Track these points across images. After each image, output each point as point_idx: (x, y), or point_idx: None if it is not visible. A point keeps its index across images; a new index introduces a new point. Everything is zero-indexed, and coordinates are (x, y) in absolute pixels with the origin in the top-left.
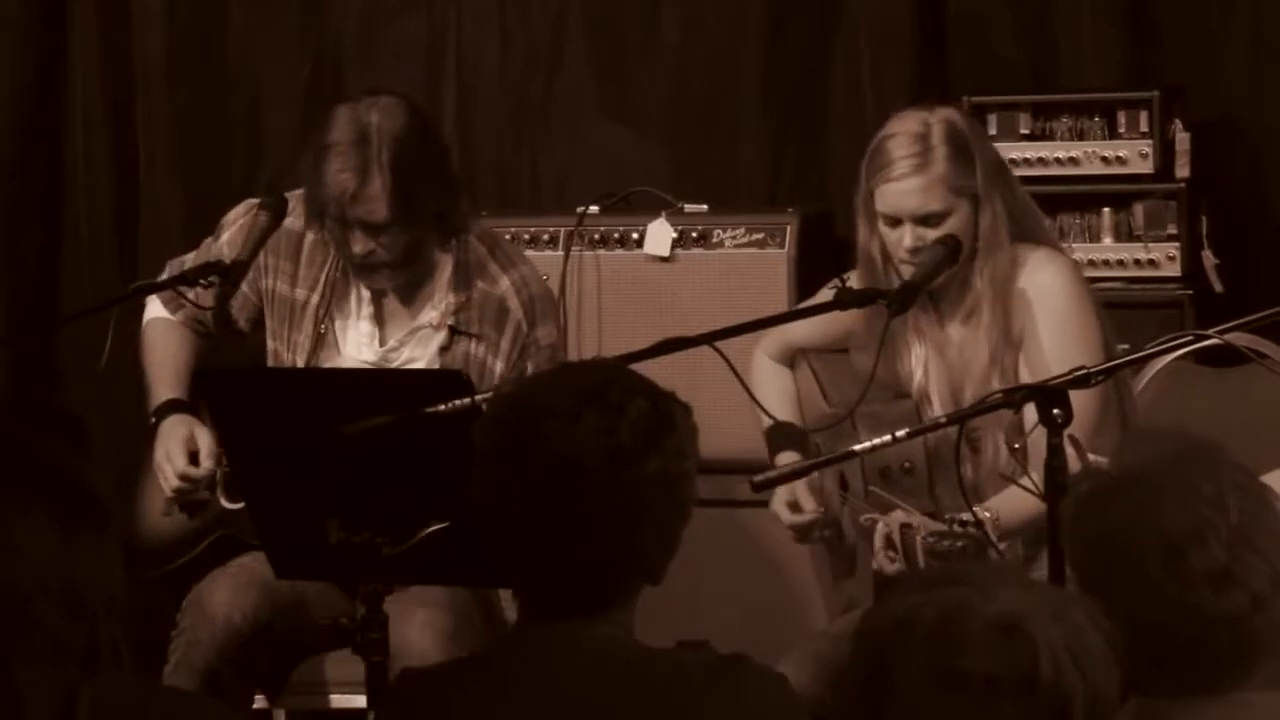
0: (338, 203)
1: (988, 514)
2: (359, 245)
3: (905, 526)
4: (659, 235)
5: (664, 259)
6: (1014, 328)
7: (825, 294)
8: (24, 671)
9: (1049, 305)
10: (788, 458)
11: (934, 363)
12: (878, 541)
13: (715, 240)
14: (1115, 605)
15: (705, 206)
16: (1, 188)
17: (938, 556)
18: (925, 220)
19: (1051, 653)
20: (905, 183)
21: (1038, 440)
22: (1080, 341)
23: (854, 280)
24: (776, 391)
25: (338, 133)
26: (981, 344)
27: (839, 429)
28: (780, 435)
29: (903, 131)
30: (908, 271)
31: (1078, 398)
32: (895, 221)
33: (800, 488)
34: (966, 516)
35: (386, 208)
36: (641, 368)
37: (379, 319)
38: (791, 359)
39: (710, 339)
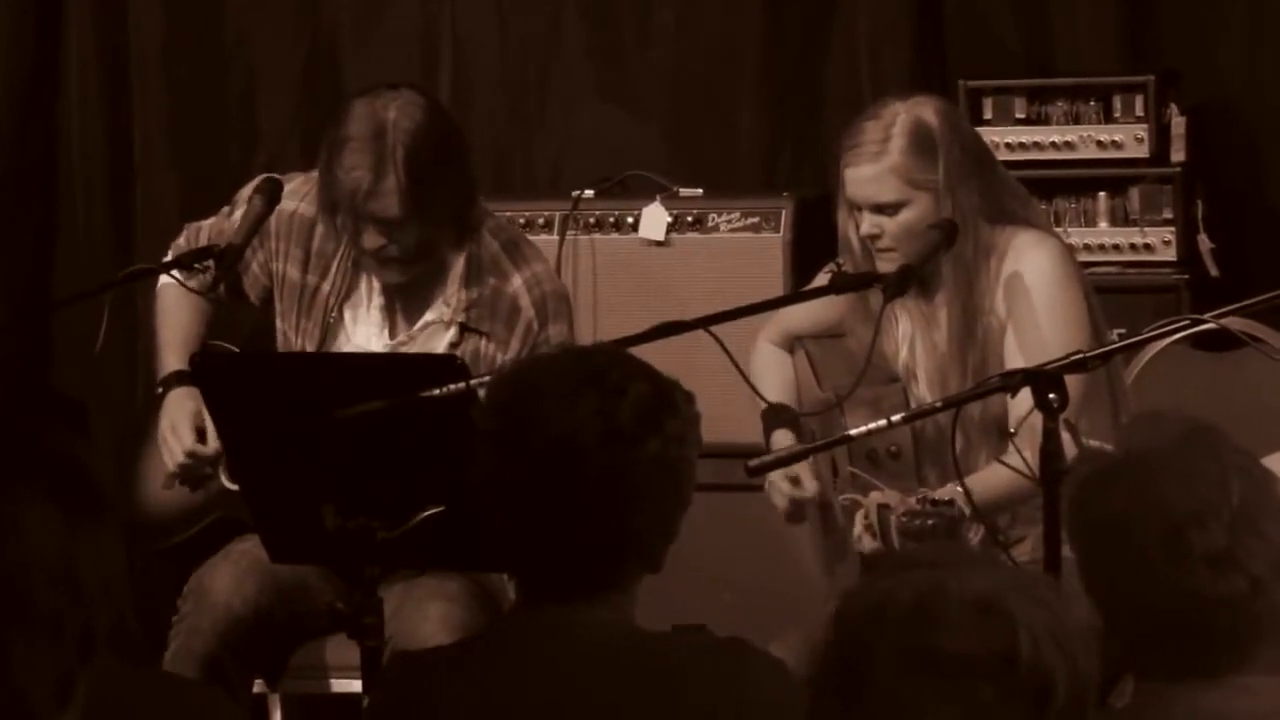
0: (351, 198)
1: (959, 490)
2: (371, 240)
3: (882, 507)
4: (654, 219)
5: (659, 243)
6: (994, 317)
7: (822, 279)
8: (19, 651)
9: (1038, 288)
10: (782, 437)
11: (920, 341)
12: (857, 523)
13: (711, 225)
14: (1115, 586)
15: (700, 191)
16: None
17: (910, 535)
18: (880, 209)
19: (1030, 630)
20: (860, 169)
21: (1033, 423)
22: (1070, 324)
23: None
24: (775, 377)
25: (354, 127)
26: (945, 329)
27: (830, 413)
28: (775, 417)
29: (874, 118)
30: (878, 261)
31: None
32: (858, 206)
33: (800, 465)
34: (939, 495)
35: (399, 205)
36: (637, 352)
37: (389, 310)
38: (790, 345)
39: (706, 323)
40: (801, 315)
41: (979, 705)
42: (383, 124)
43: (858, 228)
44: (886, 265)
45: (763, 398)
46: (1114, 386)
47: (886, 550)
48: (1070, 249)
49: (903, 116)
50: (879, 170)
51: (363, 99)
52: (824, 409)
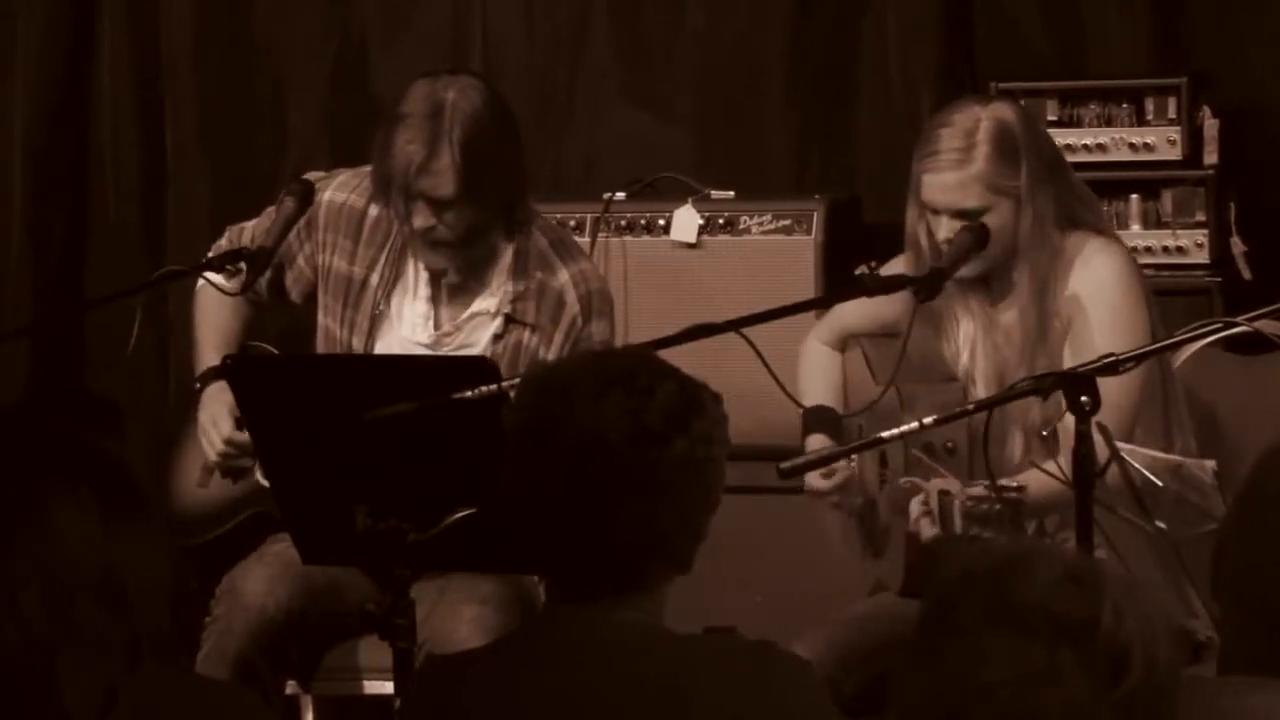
0: (404, 174)
1: (1014, 484)
2: (421, 219)
3: (943, 493)
4: (685, 222)
5: (691, 246)
6: (1057, 321)
7: None
8: (67, 668)
9: (1101, 295)
10: (817, 440)
11: (981, 344)
12: (915, 508)
13: (742, 227)
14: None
15: (732, 193)
16: (29, 174)
17: (974, 520)
18: (962, 215)
19: (1115, 604)
20: (944, 176)
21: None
22: (1129, 332)
23: (901, 261)
24: (821, 376)
25: (411, 105)
26: (1020, 338)
27: (887, 411)
28: (814, 418)
29: (952, 123)
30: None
31: (1119, 386)
32: (935, 210)
33: (814, 436)
34: (1005, 483)
35: (453, 183)
36: (668, 354)
37: (435, 301)
38: (844, 345)
39: (737, 325)
40: (859, 314)
41: (1056, 668)
42: (441, 103)
43: (928, 228)
44: (964, 270)
45: (796, 401)
46: (1167, 392)
47: (946, 536)
48: (1133, 256)
49: (985, 122)
50: (964, 177)
51: (423, 80)
52: (867, 408)
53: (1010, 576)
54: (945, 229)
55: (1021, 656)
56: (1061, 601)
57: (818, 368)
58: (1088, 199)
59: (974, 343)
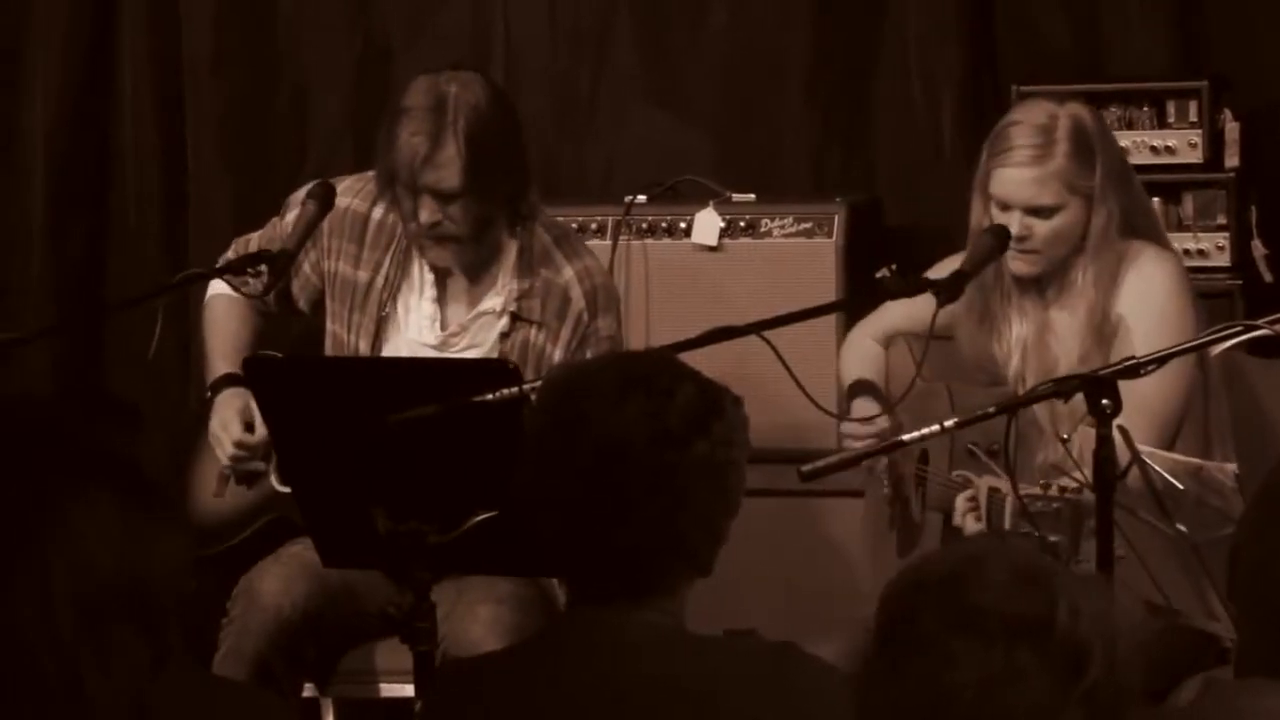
0: (409, 167)
1: (1074, 484)
2: (427, 213)
3: (994, 490)
4: (707, 225)
5: (712, 249)
6: (1111, 325)
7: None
8: (94, 679)
9: (1152, 303)
10: (863, 404)
11: (1033, 345)
12: (961, 503)
13: (763, 230)
14: None
15: (753, 196)
16: (50, 177)
17: (1029, 517)
18: (1036, 212)
19: (1070, 603)
20: (1021, 171)
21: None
22: (1174, 341)
23: (962, 257)
24: (864, 364)
25: (414, 98)
26: (1074, 340)
27: (934, 411)
28: (859, 388)
29: (1028, 120)
30: (1013, 261)
31: (1158, 391)
32: (1006, 206)
33: (860, 400)
34: (1066, 483)
35: (458, 176)
36: (689, 357)
37: (441, 302)
38: (888, 342)
39: (759, 328)
40: (905, 313)
41: (1017, 668)
42: (444, 96)
43: (991, 222)
44: (1024, 267)
45: (818, 404)
46: (1208, 403)
47: (991, 533)
48: (1184, 266)
49: (1063, 120)
50: (1043, 173)
51: (424, 75)
52: (898, 401)
53: (964, 580)
54: (1018, 226)
55: (983, 658)
56: (1016, 602)
57: (861, 357)
58: (1147, 207)
59: (1025, 345)
